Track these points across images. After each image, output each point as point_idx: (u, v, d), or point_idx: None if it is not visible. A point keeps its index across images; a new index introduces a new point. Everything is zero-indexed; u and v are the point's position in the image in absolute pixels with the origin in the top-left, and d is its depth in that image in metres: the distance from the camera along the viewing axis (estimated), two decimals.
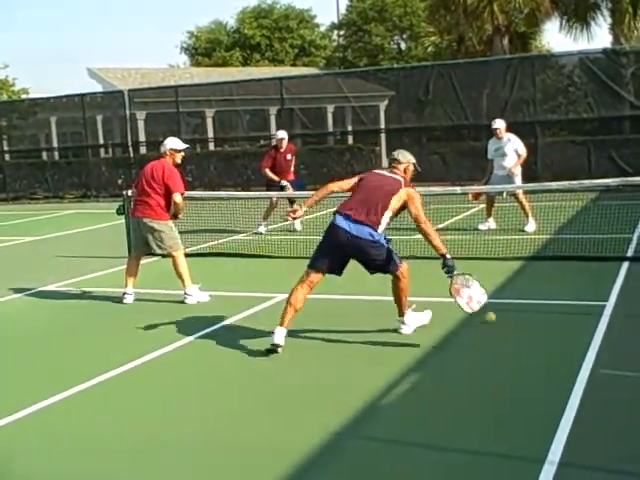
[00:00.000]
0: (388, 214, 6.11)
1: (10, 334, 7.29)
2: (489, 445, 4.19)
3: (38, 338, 7.07)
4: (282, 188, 13.04)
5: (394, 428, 4.51)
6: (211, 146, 24.50)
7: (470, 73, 20.28)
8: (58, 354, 6.47)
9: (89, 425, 4.80)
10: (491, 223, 12.10)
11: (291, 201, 12.52)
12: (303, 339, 6.51)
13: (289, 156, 13.41)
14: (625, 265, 8.62)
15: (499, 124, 11.96)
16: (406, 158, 6.61)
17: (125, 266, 8.71)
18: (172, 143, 8.40)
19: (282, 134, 13.64)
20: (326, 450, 4.20)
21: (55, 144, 26.47)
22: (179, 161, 8.39)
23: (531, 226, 11.57)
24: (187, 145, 8.55)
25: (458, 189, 11.51)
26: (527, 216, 11.66)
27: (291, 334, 6.40)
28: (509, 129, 12.15)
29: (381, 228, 6.07)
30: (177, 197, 8.05)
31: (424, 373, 5.48)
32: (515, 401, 4.83)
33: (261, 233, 12.81)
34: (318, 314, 7.39)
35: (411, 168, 6.61)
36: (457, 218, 13.17)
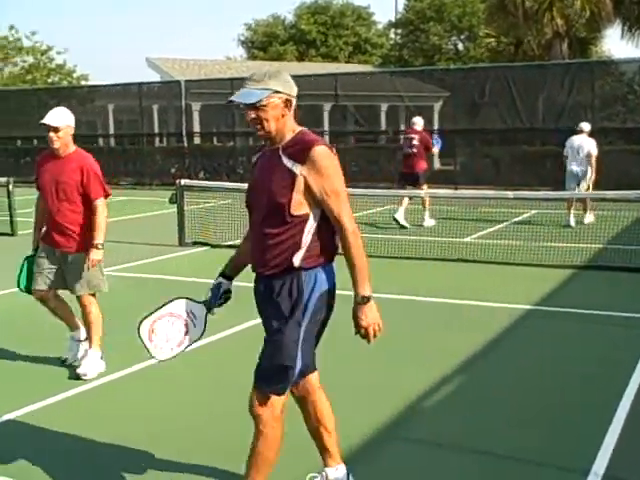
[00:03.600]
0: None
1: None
2: (531, 452, 4.16)
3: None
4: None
5: (435, 431, 4.51)
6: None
7: (527, 77, 20.04)
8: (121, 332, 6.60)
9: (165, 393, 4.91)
10: (589, 217, 12.97)
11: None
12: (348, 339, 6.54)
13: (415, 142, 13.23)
14: None
15: (584, 127, 13.10)
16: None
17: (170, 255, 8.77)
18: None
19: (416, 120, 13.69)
20: (365, 450, 4.21)
21: (112, 131, 26.89)
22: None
23: (589, 218, 12.83)
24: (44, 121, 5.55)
25: (510, 194, 11.40)
26: (585, 210, 12.85)
27: (336, 333, 6.42)
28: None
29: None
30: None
31: (468, 377, 5.46)
32: (560, 409, 4.79)
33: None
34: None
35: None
36: (507, 223, 13.05)
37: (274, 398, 3.36)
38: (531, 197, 12.78)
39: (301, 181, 3.27)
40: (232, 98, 3.33)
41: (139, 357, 5.80)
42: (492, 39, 32.62)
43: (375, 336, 3.37)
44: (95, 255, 5.54)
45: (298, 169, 3.28)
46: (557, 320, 6.96)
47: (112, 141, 26.45)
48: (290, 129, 3.39)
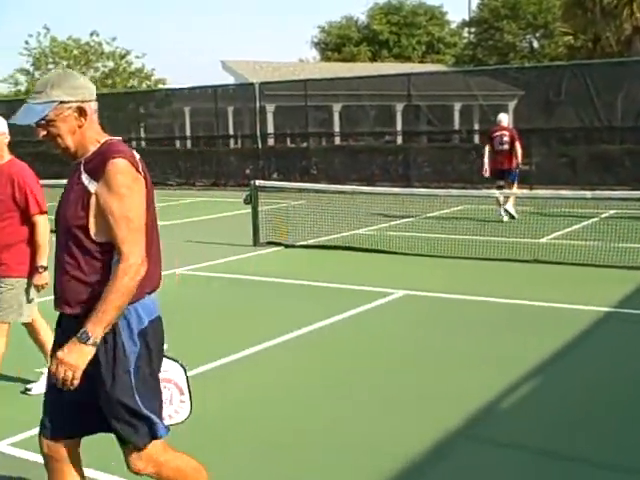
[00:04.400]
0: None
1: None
2: (606, 457, 4.13)
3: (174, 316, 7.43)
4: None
5: (504, 432, 4.51)
6: (337, 140, 24.78)
7: (606, 74, 19.58)
8: (204, 328, 6.80)
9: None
10: None
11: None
12: (424, 339, 6.59)
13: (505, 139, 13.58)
14: None
15: None
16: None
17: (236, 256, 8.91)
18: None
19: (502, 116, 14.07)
20: (438, 449, 4.25)
21: (188, 133, 27.45)
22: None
23: None
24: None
25: (588, 194, 11.21)
26: None
27: (412, 334, 6.49)
28: None
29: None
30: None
31: (541, 380, 5.42)
32: (633, 419, 4.72)
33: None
34: (437, 315, 7.45)
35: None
36: (585, 223, 12.82)
37: (149, 449, 2.89)
38: (610, 197, 12.54)
39: (95, 201, 2.76)
40: (12, 119, 2.94)
41: (218, 353, 5.99)
42: (569, 36, 31.98)
43: (64, 382, 2.71)
44: (40, 280, 4.82)
45: (94, 187, 2.77)
46: (636, 324, 6.84)
47: (189, 143, 26.99)
48: (92, 140, 2.89)
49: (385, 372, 5.63)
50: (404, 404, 4.97)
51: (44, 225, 4.75)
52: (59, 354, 2.69)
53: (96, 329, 2.67)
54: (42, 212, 4.76)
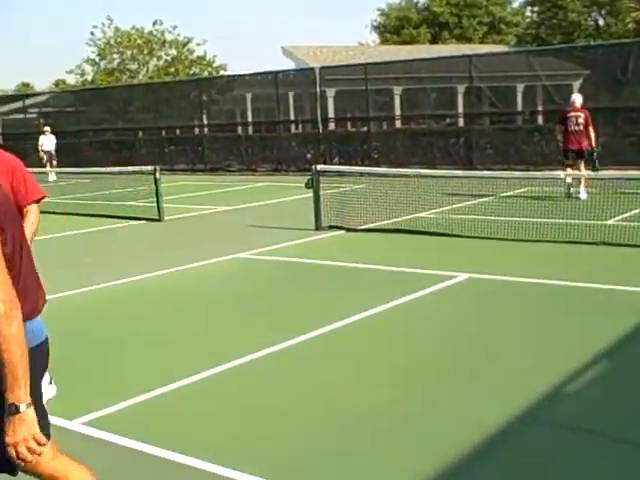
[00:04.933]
0: None
1: (220, 293, 7.88)
2: None
3: (244, 297, 7.58)
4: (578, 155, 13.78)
5: (578, 416, 4.46)
6: (398, 123, 24.65)
7: None
8: (256, 313, 6.91)
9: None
10: None
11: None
12: (490, 322, 6.56)
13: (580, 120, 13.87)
14: None
15: None
16: None
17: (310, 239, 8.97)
18: None
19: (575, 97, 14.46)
20: (506, 433, 4.23)
21: (250, 119, 27.66)
22: None
23: None
24: None
25: None
26: None
27: (478, 317, 6.46)
28: None
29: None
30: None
31: (614, 363, 5.35)
32: None
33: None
34: (503, 298, 7.40)
35: None
36: None
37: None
38: None
39: None
40: None
41: (286, 334, 6.07)
42: (637, 12, 31.09)
43: (28, 459, 2.43)
44: None
45: None
46: None
47: (250, 129, 27.20)
48: None
49: (453, 355, 5.62)
50: (473, 386, 4.96)
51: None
52: (8, 440, 2.40)
53: (16, 394, 2.39)
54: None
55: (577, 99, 14.19)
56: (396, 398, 4.80)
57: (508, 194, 14.06)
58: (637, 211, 11.85)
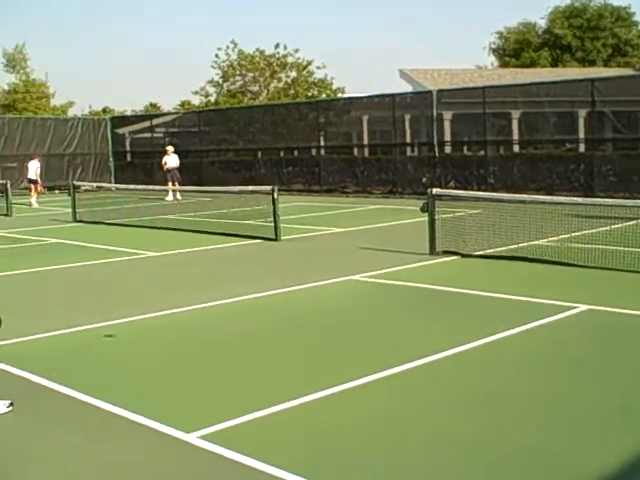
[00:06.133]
0: None
1: (333, 314, 8.03)
2: None
3: (356, 319, 7.68)
4: None
5: None
6: (515, 148, 24.26)
7: None
8: (368, 336, 6.98)
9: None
10: None
11: None
12: (609, 356, 6.39)
13: None
14: None
15: None
16: None
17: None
18: None
19: None
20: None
21: (366, 141, 27.88)
22: None
23: None
24: None
25: None
26: None
27: (596, 350, 6.29)
28: None
29: None
30: None
31: None
32: None
33: None
34: (624, 332, 7.19)
35: None
36: None
37: None
38: None
39: None
40: None
41: (404, 357, 6.11)
42: None
43: None
44: None
45: None
46: None
47: (366, 151, 27.40)
48: None
49: (568, 391, 5.49)
50: (586, 425, 4.85)
51: None
52: None
53: None
54: None
55: None
56: (509, 428, 4.75)
57: (631, 223, 13.60)
58: None
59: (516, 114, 24.68)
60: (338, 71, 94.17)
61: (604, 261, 10.19)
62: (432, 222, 11.77)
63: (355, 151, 27.70)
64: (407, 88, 31.08)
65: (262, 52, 42.49)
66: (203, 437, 4.64)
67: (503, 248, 11.54)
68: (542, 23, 49.63)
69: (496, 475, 4.12)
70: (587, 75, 25.25)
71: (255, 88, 42.99)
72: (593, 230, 13.05)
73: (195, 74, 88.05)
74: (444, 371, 5.99)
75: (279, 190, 14.91)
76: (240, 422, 4.89)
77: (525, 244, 11.79)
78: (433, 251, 11.54)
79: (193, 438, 4.62)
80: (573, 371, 5.89)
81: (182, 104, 49.77)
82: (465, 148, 25.88)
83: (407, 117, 26.64)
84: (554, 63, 46.07)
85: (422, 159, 24.68)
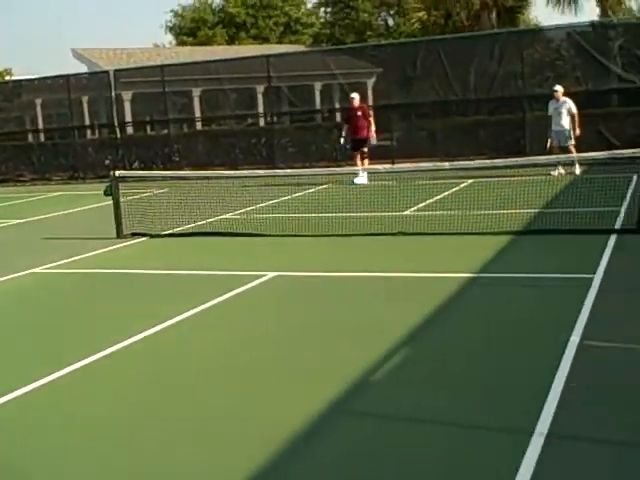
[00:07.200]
0: None
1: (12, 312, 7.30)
2: (478, 417, 4.21)
3: (38, 316, 7.06)
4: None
5: (382, 404, 4.52)
6: (198, 125, 24.36)
7: (458, 48, 20.15)
8: (59, 329, 6.46)
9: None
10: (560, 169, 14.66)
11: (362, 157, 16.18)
12: (298, 316, 6.53)
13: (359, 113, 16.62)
14: (613, 238, 8.64)
15: (558, 88, 15.37)
16: None
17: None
18: None
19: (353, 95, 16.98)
20: (309, 428, 4.19)
21: (41, 126, 26.24)
22: None
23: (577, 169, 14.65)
24: None
25: (447, 164, 11.51)
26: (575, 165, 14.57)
27: (286, 312, 6.40)
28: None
29: None
30: None
31: (414, 348, 5.48)
32: (503, 373, 4.85)
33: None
34: (309, 293, 7.43)
35: None
36: (446, 194, 13.16)
37: None
38: (467, 167, 12.87)
39: None
40: None
41: (92, 348, 5.72)
42: (421, 12, 32.73)
43: None
44: None
45: None
46: (497, 286, 7.05)
47: (42, 136, 25.83)
48: None
49: (270, 352, 5.53)
50: (286, 383, 4.89)
51: None
52: None
53: None
54: None
55: (355, 97, 16.86)
56: (202, 399, 4.62)
57: (310, 191, 14.27)
58: (431, 201, 12.40)
59: (197, 92, 24.77)
60: (4, 52, 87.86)
61: (289, 229, 10.53)
62: (117, 205, 11.33)
63: (30, 137, 25.99)
64: (82, 68, 29.73)
65: None
66: None
67: (191, 225, 11.48)
68: (218, 1, 50.38)
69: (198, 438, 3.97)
70: (262, 52, 26.01)
71: None
72: (277, 200, 13.47)
73: None
74: (136, 355, 5.71)
75: None
76: None
77: (213, 219, 11.84)
78: (120, 234, 11.13)
79: None
80: (264, 339, 5.92)
81: None
82: (148, 128, 25.42)
83: (85, 99, 25.52)
84: (230, 41, 47.01)
85: (103, 141, 23.87)
